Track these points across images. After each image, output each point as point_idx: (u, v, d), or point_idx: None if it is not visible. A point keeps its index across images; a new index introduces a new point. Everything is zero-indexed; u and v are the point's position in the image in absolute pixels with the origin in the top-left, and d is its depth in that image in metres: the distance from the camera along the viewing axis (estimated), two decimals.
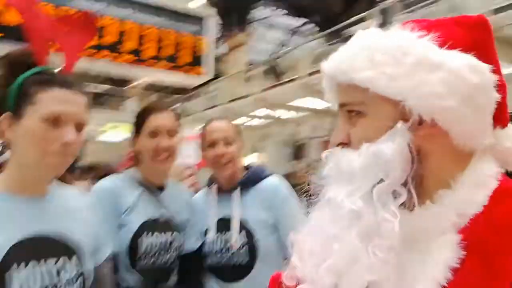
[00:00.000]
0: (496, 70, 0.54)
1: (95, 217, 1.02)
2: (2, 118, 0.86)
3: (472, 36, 0.55)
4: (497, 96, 0.54)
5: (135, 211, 1.26)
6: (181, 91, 17.71)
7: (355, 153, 0.55)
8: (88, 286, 0.92)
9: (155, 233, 1.26)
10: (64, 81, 0.88)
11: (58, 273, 0.85)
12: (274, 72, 11.44)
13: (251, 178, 1.41)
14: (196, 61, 13.10)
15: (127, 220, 1.25)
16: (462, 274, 0.48)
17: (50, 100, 0.84)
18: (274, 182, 1.42)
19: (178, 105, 17.20)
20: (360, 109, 0.57)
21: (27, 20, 0.91)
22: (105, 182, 1.30)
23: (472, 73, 0.51)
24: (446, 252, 0.50)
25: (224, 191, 1.41)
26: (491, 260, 0.47)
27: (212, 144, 1.38)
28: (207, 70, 13.35)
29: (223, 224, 1.36)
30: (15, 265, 0.80)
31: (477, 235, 0.49)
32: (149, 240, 1.24)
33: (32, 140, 0.84)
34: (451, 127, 0.52)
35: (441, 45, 0.54)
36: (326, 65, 0.61)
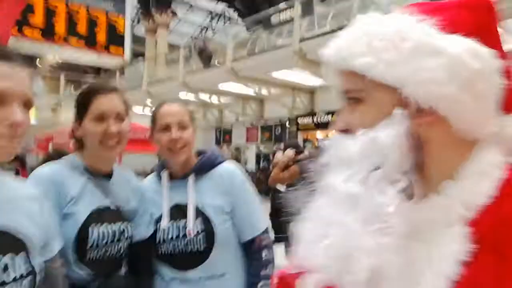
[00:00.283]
0: (502, 55, 0.52)
1: (42, 208, 0.91)
2: None
3: (476, 20, 0.54)
4: (501, 82, 0.51)
5: (81, 200, 1.16)
6: (96, 72, 16.63)
7: (352, 139, 0.55)
8: (38, 283, 0.82)
9: (105, 224, 1.18)
10: (8, 54, 0.76)
11: (5, 270, 0.75)
12: (203, 55, 11.20)
13: (206, 164, 1.36)
14: (113, 41, 12.35)
15: (72, 210, 1.14)
16: (474, 269, 0.47)
17: None
18: (229, 168, 1.38)
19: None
20: (359, 96, 0.56)
21: None
22: (44, 170, 1.17)
23: (473, 58, 0.50)
24: (455, 246, 0.49)
25: (177, 178, 1.35)
26: (504, 254, 0.46)
27: (166, 128, 1.30)
28: (125, 51, 12.71)
29: (177, 211, 1.30)
30: None
31: (487, 228, 0.48)
32: (99, 231, 1.16)
33: None
34: (451, 115, 0.51)
35: (442, 30, 0.52)
36: (327, 52, 0.59)
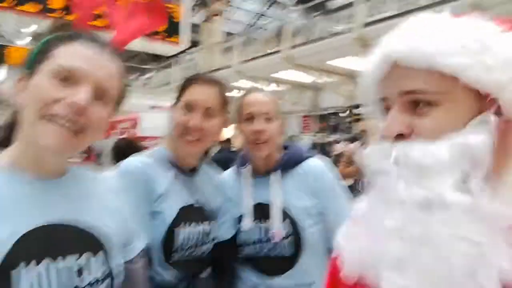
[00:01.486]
0: None
1: (125, 204, 0.83)
2: (16, 80, 0.70)
3: None
4: None
5: (169, 198, 1.07)
6: (156, 59, 17.13)
7: (434, 145, 0.50)
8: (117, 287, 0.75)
9: (191, 224, 1.09)
10: (90, 37, 0.70)
11: (80, 273, 0.67)
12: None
13: (291, 160, 1.24)
14: (172, 29, 12.60)
15: (161, 208, 1.05)
16: None
17: (65, 54, 0.67)
18: (317, 165, 1.24)
19: (153, 74, 16.67)
20: (432, 98, 0.51)
21: None
22: (134, 163, 1.08)
23: None
24: None
25: (258, 174, 1.25)
26: None
27: (250, 118, 1.19)
28: (183, 39, 12.88)
29: (261, 211, 1.19)
30: (22, 264, 0.62)
31: None
32: (186, 231, 1.08)
33: (34, 98, 0.65)
34: None
35: None
36: (396, 46, 0.53)
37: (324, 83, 12.04)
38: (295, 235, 1.16)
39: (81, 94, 0.64)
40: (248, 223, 1.19)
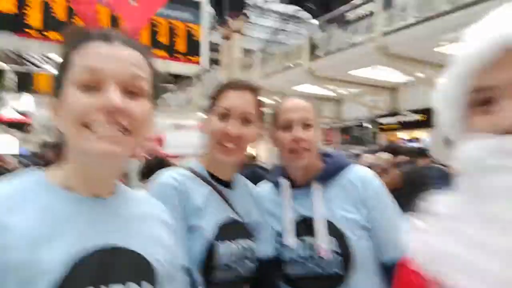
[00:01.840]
0: None
1: (170, 227, 0.78)
2: (49, 101, 0.66)
3: None
4: None
5: (206, 213, 1.01)
6: (176, 79, 17.43)
7: None
8: None
9: (232, 240, 1.02)
10: (102, 34, 0.64)
11: None
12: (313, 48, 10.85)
13: (333, 168, 1.15)
14: (192, 49, 12.81)
15: (198, 224, 0.99)
16: None
17: (81, 60, 0.62)
18: (362, 173, 1.15)
19: (174, 93, 16.91)
20: None
21: None
22: (168, 178, 1.02)
23: None
24: None
25: (298, 185, 1.17)
26: None
27: (288, 126, 1.12)
28: (203, 58, 13.10)
29: (304, 225, 1.10)
30: None
31: None
32: (227, 249, 1.01)
33: (68, 114, 0.61)
34: None
35: None
36: (506, 31, 0.47)
37: (346, 94, 11.92)
38: (343, 251, 1.06)
39: (110, 95, 0.60)
40: (290, 239, 1.11)
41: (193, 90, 15.09)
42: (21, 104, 16.14)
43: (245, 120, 1.04)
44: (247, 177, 1.21)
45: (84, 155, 0.63)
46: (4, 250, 0.56)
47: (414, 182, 3.06)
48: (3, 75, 10.94)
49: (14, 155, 10.15)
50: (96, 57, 0.61)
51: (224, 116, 1.04)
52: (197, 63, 13.92)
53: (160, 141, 6.11)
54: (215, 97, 1.08)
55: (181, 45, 12.94)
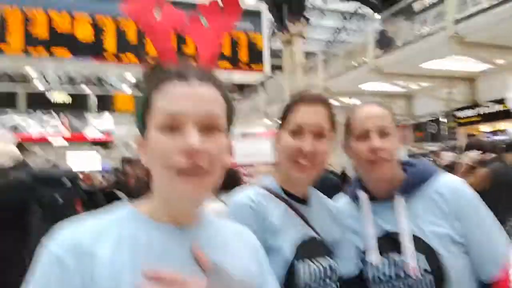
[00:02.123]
0: None
1: (258, 253, 0.77)
2: (135, 137, 0.70)
3: None
4: None
5: (284, 232, 0.98)
6: (240, 88, 17.82)
7: None
8: None
9: (312, 259, 0.98)
10: (178, 72, 0.66)
11: None
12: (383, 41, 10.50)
13: (417, 178, 1.06)
14: (255, 58, 12.98)
15: (277, 244, 0.96)
16: None
17: (162, 101, 0.64)
18: (451, 182, 1.05)
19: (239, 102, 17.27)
20: None
21: (143, 24, 0.77)
22: (244, 198, 1.00)
23: None
24: None
25: (379, 198, 1.10)
26: None
27: (364, 135, 1.06)
28: (265, 66, 13.21)
29: (389, 242, 1.03)
30: None
31: None
32: (308, 269, 0.97)
33: (153, 155, 0.65)
34: None
35: None
36: None
37: (418, 89, 11.28)
38: (435, 269, 0.96)
39: (189, 139, 0.61)
40: (374, 256, 1.04)
41: (257, 97, 15.29)
42: (102, 123, 17.54)
43: (319, 135, 1.00)
44: (318, 185, 1.16)
45: (167, 194, 0.66)
46: (91, 277, 0.58)
47: (505, 182, 2.78)
48: (86, 98, 12.01)
49: (97, 171, 11.04)
50: (175, 99, 0.63)
51: (297, 132, 1.00)
52: (260, 71, 14.10)
53: (230, 151, 6.23)
54: (286, 113, 1.05)
55: (243, 54, 13.21)
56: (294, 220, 1.02)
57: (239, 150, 6.19)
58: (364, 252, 1.07)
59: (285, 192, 1.05)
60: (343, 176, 9.95)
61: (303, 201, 1.07)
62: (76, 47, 6.72)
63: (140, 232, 0.65)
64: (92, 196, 5.21)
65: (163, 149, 0.62)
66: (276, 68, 17.18)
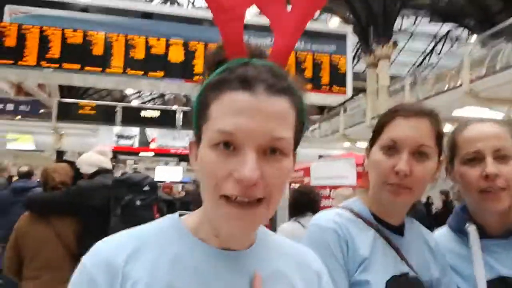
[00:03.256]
0: None
1: (319, 285, 0.65)
2: (189, 146, 0.61)
3: None
4: None
5: (376, 263, 0.83)
6: (320, 110, 17.64)
7: None
8: None
9: None
10: (244, 77, 0.52)
11: None
12: None
13: None
14: (337, 80, 12.84)
15: (365, 278, 0.81)
16: None
17: (219, 114, 0.52)
18: None
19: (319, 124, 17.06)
20: None
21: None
22: (328, 222, 0.86)
23: None
24: None
25: (493, 235, 0.93)
26: None
27: (475, 158, 0.90)
28: (347, 89, 12.94)
29: None
30: None
31: None
32: None
33: (203, 173, 0.54)
34: None
35: None
36: None
37: None
38: None
39: (247, 167, 0.49)
40: None
41: (338, 119, 14.97)
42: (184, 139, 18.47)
43: (419, 154, 0.83)
44: None
45: (214, 220, 0.55)
46: None
47: None
48: (175, 115, 12.80)
49: (178, 182, 11.50)
50: (234, 115, 0.51)
51: (391, 148, 0.85)
52: (342, 93, 13.90)
53: (308, 171, 6.09)
54: (380, 126, 0.90)
55: (325, 76, 13.14)
56: (385, 251, 0.86)
57: (316, 172, 6.01)
58: None
59: (376, 218, 0.90)
60: (427, 206, 9.19)
61: (397, 230, 0.91)
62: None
63: (184, 252, 0.56)
64: (170, 205, 5.40)
65: (213, 171, 0.52)
66: (359, 90, 16.75)
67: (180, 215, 0.62)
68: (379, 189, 0.86)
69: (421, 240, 0.94)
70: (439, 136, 0.87)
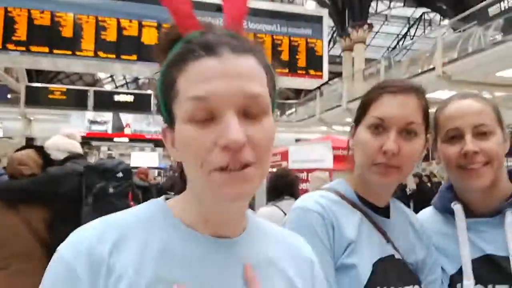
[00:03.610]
0: None
1: (314, 269, 0.63)
2: (162, 132, 0.56)
3: None
4: None
5: (362, 246, 0.80)
6: (297, 93, 17.70)
7: None
8: None
9: (396, 282, 0.80)
10: (206, 44, 0.50)
11: None
12: None
13: None
14: (314, 63, 12.85)
15: (351, 262, 0.79)
16: None
17: (189, 85, 0.49)
18: None
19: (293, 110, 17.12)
20: None
21: None
22: (312, 204, 0.83)
23: None
24: None
25: (478, 213, 0.92)
26: None
27: (456, 136, 0.88)
28: (324, 72, 13.00)
29: (489, 267, 0.85)
30: None
31: None
32: None
33: (184, 152, 0.51)
34: None
35: None
36: None
37: (493, 98, 10.45)
38: None
39: (230, 131, 0.46)
40: (469, 284, 0.84)
41: (315, 103, 15.04)
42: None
43: (407, 132, 0.80)
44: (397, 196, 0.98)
45: (204, 198, 0.52)
46: None
47: None
48: (150, 99, 12.57)
49: (154, 168, 11.33)
50: (205, 81, 0.48)
51: (377, 127, 0.81)
52: (319, 77, 13.94)
53: (285, 155, 6.10)
54: (365, 105, 0.86)
55: (301, 60, 13.11)
56: (371, 233, 0.83)
57: (293, 156, 6.03)
58: (453, 277, 0.87)
59: (361, 199, 0.87)
60: (402, 188, 9.40)
61: (382, 211, 0.88)
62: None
63: (172, 240, 0.52)
64: (146, 191, 5.30)
65: (195, 145, 0.48)
66: (334, 74, 16.83)
67: (165, 199, 0.58)
68: (366, 170, 0.83)
69: (406, 222, 0.92)
70: (426, 111, 0.84)
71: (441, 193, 0.99)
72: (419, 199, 8.75)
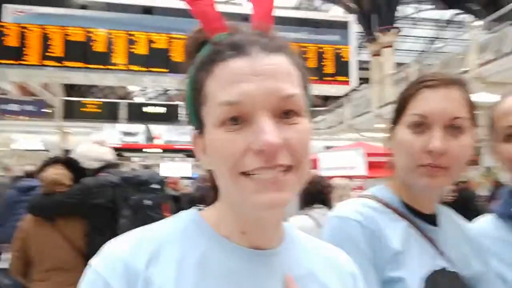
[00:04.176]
0: None
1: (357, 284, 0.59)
2: (192, 139, 0.54)
3: None
4: None
5: (409, 257, 0.74)
6: (324, 100, 17.51)
7: None
8: None
9: None
10: (234, 44, 0.48)
11: None
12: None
13: None
14: (341, 70, 12.69)
15: (399, 273, 0.72)
16: None
17: (218, 88, 0.47)
18: None
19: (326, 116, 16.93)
20: None
21: None
22: (351, 212, 0.77)
23: None
24: None
25: None
26: None
27: None
28: (351, 78, 12.84)
29: None
30: None
31: None
32: None
33: (216, 158, 0.48)
34: None
35: None
36: None
37: None
38: None
39: (266, 132, 0.44)
40: None
41: (344, 110, 14.85)
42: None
43: (453, 128, 0.74)
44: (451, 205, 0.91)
45: (241, 207, 0.49)
46: None
47: None
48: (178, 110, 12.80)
49: (186, 178, 11.47)
50: (235, 83, 0.46)
51: (420, 125, 0.75)
52: (347, 83, 13.81)
53: (315, 162, 6.03)
54: (404, 101, 0.80)
55: (329, 67, 13.02)
56: (419, 244, 0.77)
57: (324, 163, 5.95)
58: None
59: (406, 206, 0.81)
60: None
61: (430, 219, 0.81)
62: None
63: (210, 252, 0.50)
64: (176, 201, 5.35)
65: (227, 151, 0.46)
66: (363, 80, 16.58)
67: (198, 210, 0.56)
68: (410, 173, 0.77)
69: (458, 230, 0.85)
70: (471, 105, 0.77)
71: (503, 198, 0.92)
72: (457, 206, 8.39)
